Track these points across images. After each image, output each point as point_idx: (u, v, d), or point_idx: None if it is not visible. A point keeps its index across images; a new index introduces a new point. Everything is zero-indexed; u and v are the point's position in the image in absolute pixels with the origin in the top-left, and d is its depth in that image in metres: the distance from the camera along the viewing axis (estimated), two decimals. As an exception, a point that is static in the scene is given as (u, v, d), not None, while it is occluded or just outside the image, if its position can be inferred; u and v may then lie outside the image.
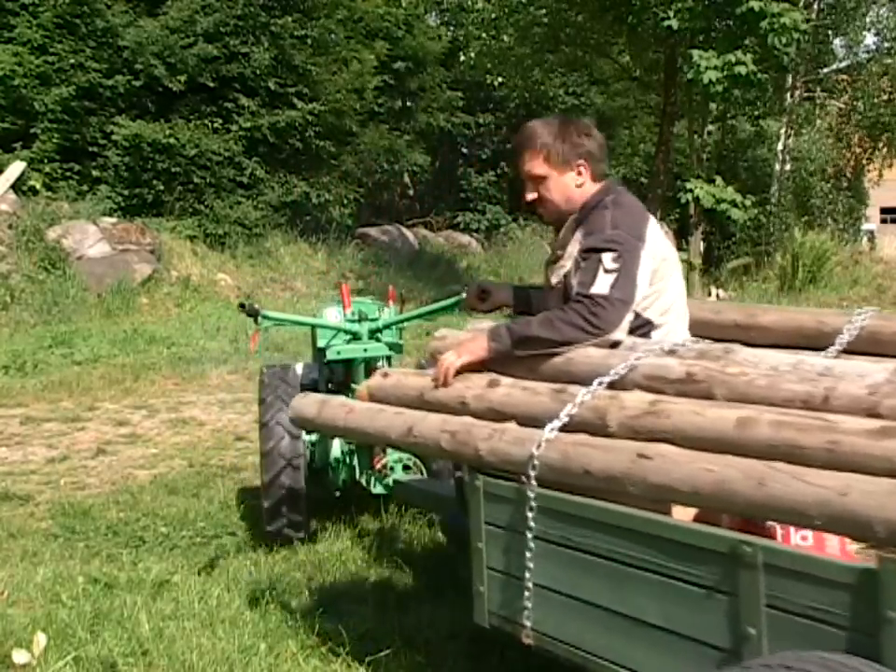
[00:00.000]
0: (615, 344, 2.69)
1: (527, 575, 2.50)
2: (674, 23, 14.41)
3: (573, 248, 2.91)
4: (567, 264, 2.92)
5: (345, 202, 19.95)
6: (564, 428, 2.44)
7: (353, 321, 4.68)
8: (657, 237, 2.89)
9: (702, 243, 17.47)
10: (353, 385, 4.62)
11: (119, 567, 4.67)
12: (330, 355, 4.55)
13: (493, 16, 18.82)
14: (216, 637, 3.70)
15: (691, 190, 14.94)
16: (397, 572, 4.38)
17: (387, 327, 4.72)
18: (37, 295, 13.88)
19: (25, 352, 11.28)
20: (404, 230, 22.88)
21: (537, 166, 2.99)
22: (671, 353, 2.57)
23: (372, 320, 4.66)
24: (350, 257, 19.45)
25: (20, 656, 3.40)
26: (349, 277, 18.79)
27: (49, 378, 10.19)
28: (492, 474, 2.64)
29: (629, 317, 2.74)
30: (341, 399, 3.34)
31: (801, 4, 16.91)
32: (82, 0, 16.21)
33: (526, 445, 2.47)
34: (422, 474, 4.62)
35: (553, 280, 3.01)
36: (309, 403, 3.40)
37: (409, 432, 2.82)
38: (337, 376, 5.08)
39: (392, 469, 4.61)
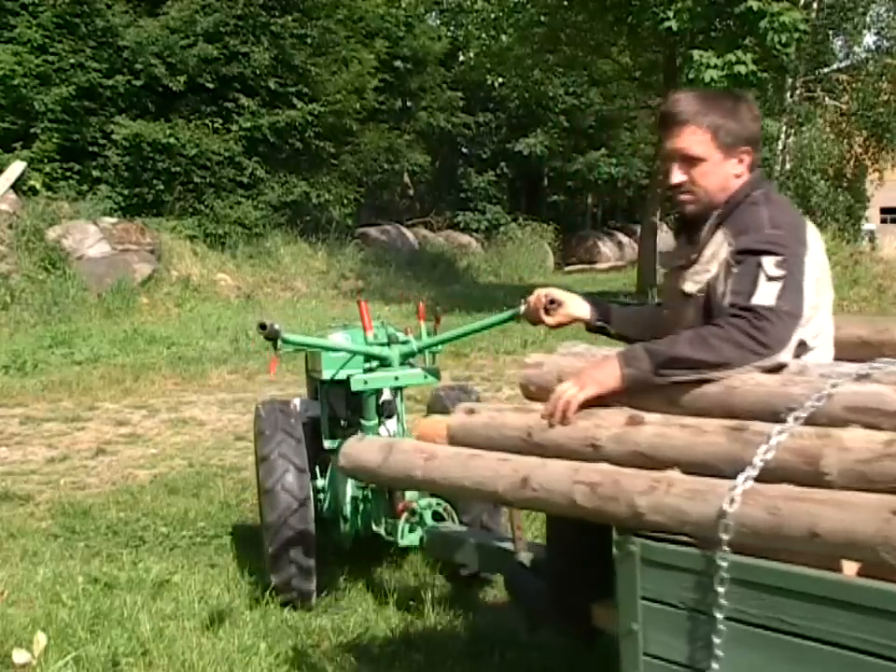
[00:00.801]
0: (779, 368, 2.22)
1: (714, 666, 2.00)
2: (673, 24, 14.42)
3: (716, 250, 2.43)
4: (710, 268, 2.43)
5: (345, 201, 19.97)
6: (758, 478, 1.96)
7: (382, 344, 3.86)
8: (817, 242, 2.45)
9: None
10: (363, 423, 3.98)
11: (119, 566, 4.67)
12: (356, 385, 3.69)
13: (493, 16, 18.82)
14: (216, 637, 3.70)
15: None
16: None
17: (425, 349, 3.86)
18: (37, 295, 13.88)
19: (25, 352, 11.28)
20: (404, 229, 22.90)
21: (697, 145, 2.47)
22: (864, 378, 2.08)
23: (403, 342, 3.84)
24: (350, 257, 19.45)
25: (20, 656, 3.40)
26: (349, 277, 18.82)
27: (49, 378, 10.18)
28: (650, 536, 2.11)
29: (798, 335, 2.28)
30: (411, 441, 2.75)
31: (801, 3, 16.91)
32: (82, 0, 16.23)
33: (710, 500, 1.96)
34: (454, 522, 3.94)
35: (689, 287, 2.49)
36: (370, 448, 2.78)
37: (524, 484, 2.28)
38: (339, 411, 4.44)
39: (421, 516, 3.86)
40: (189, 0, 17.03)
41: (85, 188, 16.41)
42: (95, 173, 16.60)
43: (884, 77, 22.49)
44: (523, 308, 2.99)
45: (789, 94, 20.85)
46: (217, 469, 6.73)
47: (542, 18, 17.53)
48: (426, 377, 3.75)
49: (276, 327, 3.34)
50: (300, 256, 18.39)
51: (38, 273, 14.26)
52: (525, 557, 3.10)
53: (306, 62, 18.28)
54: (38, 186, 15.68)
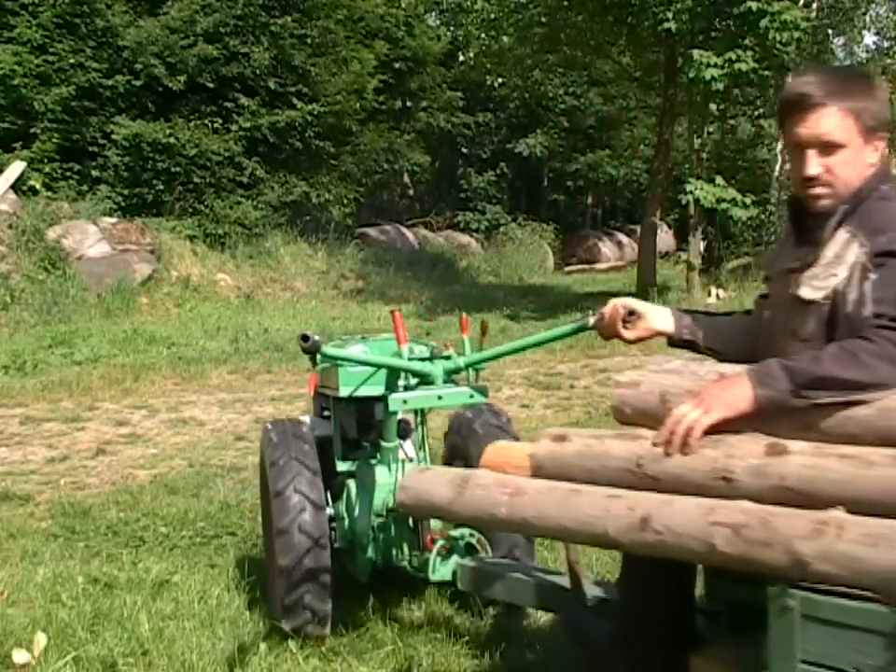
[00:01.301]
0: None
1: None
2: (672, 25, 14.42)
3: (840, 251, 2.15)
4: (837, 272, 2.13)
5: (345, 202, 19.96)
6: None
7: (423, 359, 3.42)
8: None
9: (702, 243, 17.46)
10: (383, 444, 3.75)
11: (119, 567, 4.67)
12: (394, 405, 3.28)
13: (493, 16, 18.81)
14: (216, 637, 3.70)
15: (691, 192, 14.94)
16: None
17: (473, 366, 3.38)
18: (37, 295, 13.88)
19: (25, 352, 11.28)
20: (404, 230, 22.89)
21: (839, 131, 2.18)
22: None
23: (445, 357, 3.37)
24: (350, 257, 19.45)
25: (20, 656, 3.40)
26: (349, 277, 18.82)
27: (48, 378, 10.19)
28: (813, 588, 1.79)
29: None
30: (489, 473, 2.37)
31: (801, 3, 16.91)
32: (82, 0, 16.23)
33: None
34: (488, 554, 3.61)
35: (808, 294, 2.18)
36: (438, 481, 2.43)
37: (644, 525, 1.96)
38: (350, 432, 4.14)
39: (453, 548, 3.56)
40: (189, 0, 17.03)
41: (85, 188, 16.41)
42: (95, 173, 16.60)
43: (884, 77, 22.52)
44: (592, 320, 2.68)
45: (789, 94, 20.82)
46: (217, 469, 6.73)
47: (542, 18, 17.52)
48: (471, 396, 3.30)
49: (317, 339, 3.00)
50: (299, 256, 18.39)
51: (38, 273, 14.26)
52: (586, 595, 2.78)
53: (306, 62, 18.28)
54: (38, 186, 15.68)
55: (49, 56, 16.02)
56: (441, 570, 3.55)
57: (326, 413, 4.29)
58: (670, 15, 14.47)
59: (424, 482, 2.47)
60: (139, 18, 17.06)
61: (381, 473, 3.81)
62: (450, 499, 2.34)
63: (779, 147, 20.95)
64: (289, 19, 17.92)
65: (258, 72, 17.42)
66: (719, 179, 15.35)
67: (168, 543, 5.13)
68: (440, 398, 3.28)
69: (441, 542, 3.56)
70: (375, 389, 3.65)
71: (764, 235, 19.69)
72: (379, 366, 3.52)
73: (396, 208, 25.34)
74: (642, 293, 16.39)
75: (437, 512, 2.56)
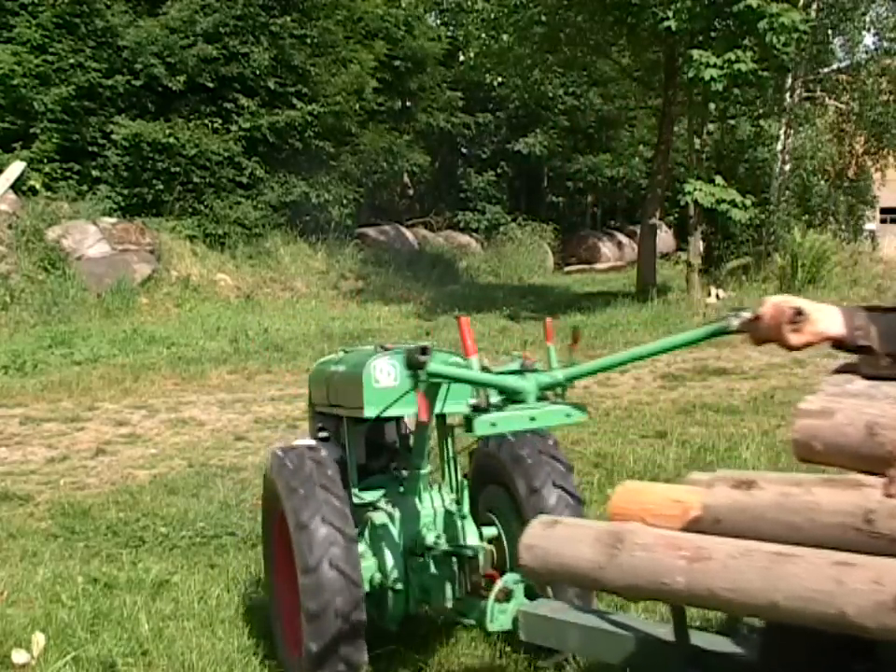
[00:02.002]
0: None
1: None
2: (672, 24, 14.42)
3: None
4: None
5: (345, 202, 19.96)
6: None
7: (515, 372, 2.85)
8: None
9: (701, 243, 17.46)
10: (415, 470, 3.36)
11: (119, 567, 4.67)
12: (481, 429, 2.67)
13: (493, 16, 18.81)
14: (215, 637, 3.70)
15: (691, 192, 14.94)
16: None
17: (573, 380, 2.83)
18: (37, 295, 13.89)
19: (25, 352, 11.28)
20: (404, 230, 22.89)
21: None
22: None
23: (533, 370, 2.82)
24: (350, 257, 19.46)
25: (19, 656, 3.40)
26: (349, 277, 18.82)
27: (48, 378, 10.19)
28: None
29: None
30: (649, 530, 1.88)
31: (800, 3, 16.91)
32: (82, 0, 16.23)
33: None
34: (550, 597, 3.12)
35: None
36: (577, 540, 1.92)
37: None
38: (359, 456, 3.71)
39: (511, 592, 3.05)
40: (188, 0, 17.03)
41: (85, 188, 16.42)
42: (95, 173, 16.60)
43: (884, 77, 22.51)
44: (736, 322, 2.30)
45: (788, 95, 20.84)
46: (217, 469, 6.73)
47: (542, 18, 17.52)
48: (568, 415, 2.75)
49: (424, 357, 2.57)
50: (299, 256, 18.40)
51: (38, 273, 14.26)
52: (695, 649, 2.24)
53: (306, 62, 18.28)
54: (38, 186, 15.68)
55: (49, 56, 16.02)
56: (501, 619, 3.02)
57: (322, 433, 3.87)
58: (670, 14, 14.47)
59: (555, 540, 1.93)
60: (139, 18, 17.07)
61: (412, 504, 3.43)
62: (598, 564, 1.84)
63: (779, 146, 20.98)
64: (289, 19, 17.92)
65: (257, 72, 17.42)
66: (718, 179, 15.36)
67: (168, 543, 5.12)
68: (532, 418, 2.75)
69: (499, 585, 3.04)
70: (406, 409, 3.34)
71: (764, 235, 19.70)
72: (467, 381, 2.97)
73: (396, 208, 25.33)
74: (642, 293, 16.40)
75: (577, 580, 2.00)
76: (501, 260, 23.36)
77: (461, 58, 25.58)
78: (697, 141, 16.38)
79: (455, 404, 3.20)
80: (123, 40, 16.58)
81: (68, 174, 16.38)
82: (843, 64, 23.77)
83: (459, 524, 3.35)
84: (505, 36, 18.67)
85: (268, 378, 10.49)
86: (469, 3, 21.99)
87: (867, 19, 22.43)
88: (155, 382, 10.18)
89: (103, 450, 7.42)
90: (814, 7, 18.73)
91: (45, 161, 16.02)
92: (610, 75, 23.10)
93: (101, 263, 14.94)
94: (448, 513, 3.43)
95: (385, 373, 3.42)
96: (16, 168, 15.37)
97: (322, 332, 13.54)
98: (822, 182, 23.32)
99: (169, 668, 3.47)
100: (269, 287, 17.24)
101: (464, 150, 27.83)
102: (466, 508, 3.46)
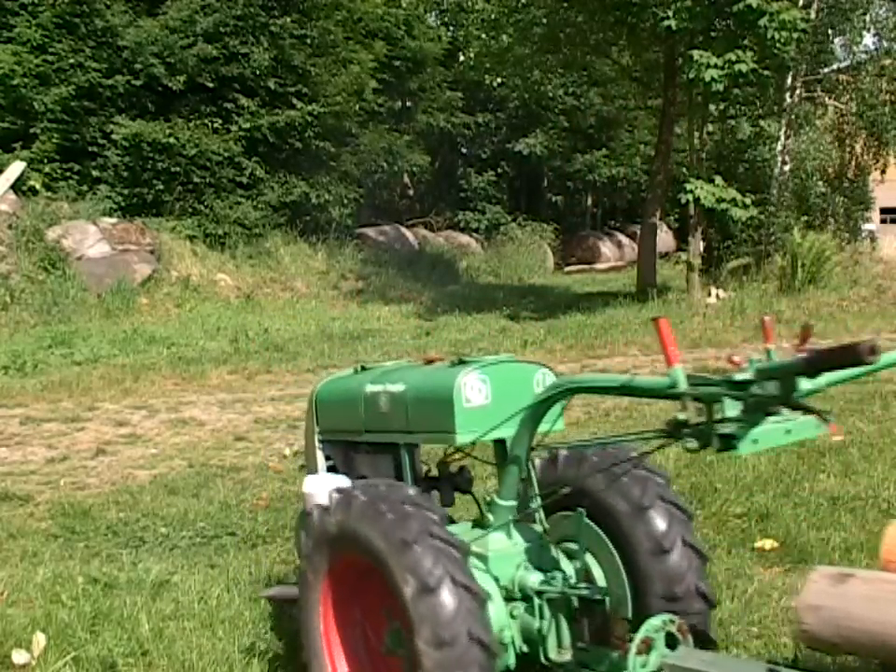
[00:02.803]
0: None
1: None
2: (672, 24, 14.42)
3: None
4: None
5: (345, 202, 19.98)
6: None
7: (755, 380, 2.38)
8: None
9: (702, 243, 17.46)
10: (499, 502, 2.92)
11: (119, 567, 4.67)
12: (746, 448, 2.29)
13: (493, 16, 18.84)
14: (215, 638, 3.69)
15: (691, 191, 14.94)
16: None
17: (832, 385, 2.46)
18: (37, 295, 13.89)
19: (25, 352, 11.28)
20: (404, 230, 22.90)
21: None
22: None
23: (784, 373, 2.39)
24: (350, 257, 19.46)
25: (19, 656, 3.40)
26: (349, 277, 18.83)
27: (48, 378, 10.19)
28: None
29: None
30: None
31: (800, 3, 16.91)
32: (82, 0, 16.24)
33: None
34: (690, 645, 2.76)
35: None
36: (878, 593, 1.52)
37: None
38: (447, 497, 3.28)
39: (654, 642, 2.68)
40: (188, 0, 17.04)
41: (85, 188, 16.43)
42: (95, 173, 16.61)
43: (884, 77, 22.49)
44: None
45: (788, 95, 20.83)
46: (217, 470, 6.73)
47: (542, 18, 17.54)
48: (817, 426, 2.42)
49: (873, 358, 2.03)
50: (299, 256, 18.40)
51: (38, 274, 14.27)
52: None
53: (306, 62, 18.29)
54: (38, 186, 15.69)
55: (49, 56, 16.03)
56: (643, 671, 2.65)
57: (329, 462, 3.44)
58: (670, 13, 14.48)
59: (852, 599, 1.46)
60: (138, 18, 17.07)
61: (500, 541, 2.96)
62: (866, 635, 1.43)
63: (779, 147, 20.98)
64: (289, 19, 17.93)
65: (257, 72, 17.43)
66: (718, 179, 15.36)
67: (168, 543, 5.12)
68: (788, 431, 2.40)
69: (641, 634, 2.67)
70: (505, 432, 2.88)
71: (764, 235, 19.69)
72: (627, 391, 2.58)
73: (396, 208, 25.34)
74: (642, 293, 16.41)
75: (884, 652, 1.50)
76: (501, 260, 23.37)
77: (461, 58, 25.61)
78: (697, 141, 16.39)
79: (546, 423, 2.81)
80: (123, 40, 16.59)
81: (68, 174, 16.38)
82: (843, 65, 23.76)
83: (561, 560, 2.95)
84: (505, 37, 18.69)
85: (268, 378, 10.49)
86: (469, 3, 22.03)
87: (867, 19, 22.41)
88: (155, 382, 10.18)
89: (103, 450, 7.42)
90: (814, 7, 18.71)
91: (45, 161, 16.03)
92: (610, 75, 23.11)
93: (101, 263, 14.94)
94: (542, 548, 2.98)
95: (475, 390, 2.96)
96: (16, 168, 15.38)
97: (322, 332, 13.55)
98: (821, 183, 23.32)
99: (169, 668, 3.47)
100: (269, 288, 17.24)
101: (464, 150, 27.85)
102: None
